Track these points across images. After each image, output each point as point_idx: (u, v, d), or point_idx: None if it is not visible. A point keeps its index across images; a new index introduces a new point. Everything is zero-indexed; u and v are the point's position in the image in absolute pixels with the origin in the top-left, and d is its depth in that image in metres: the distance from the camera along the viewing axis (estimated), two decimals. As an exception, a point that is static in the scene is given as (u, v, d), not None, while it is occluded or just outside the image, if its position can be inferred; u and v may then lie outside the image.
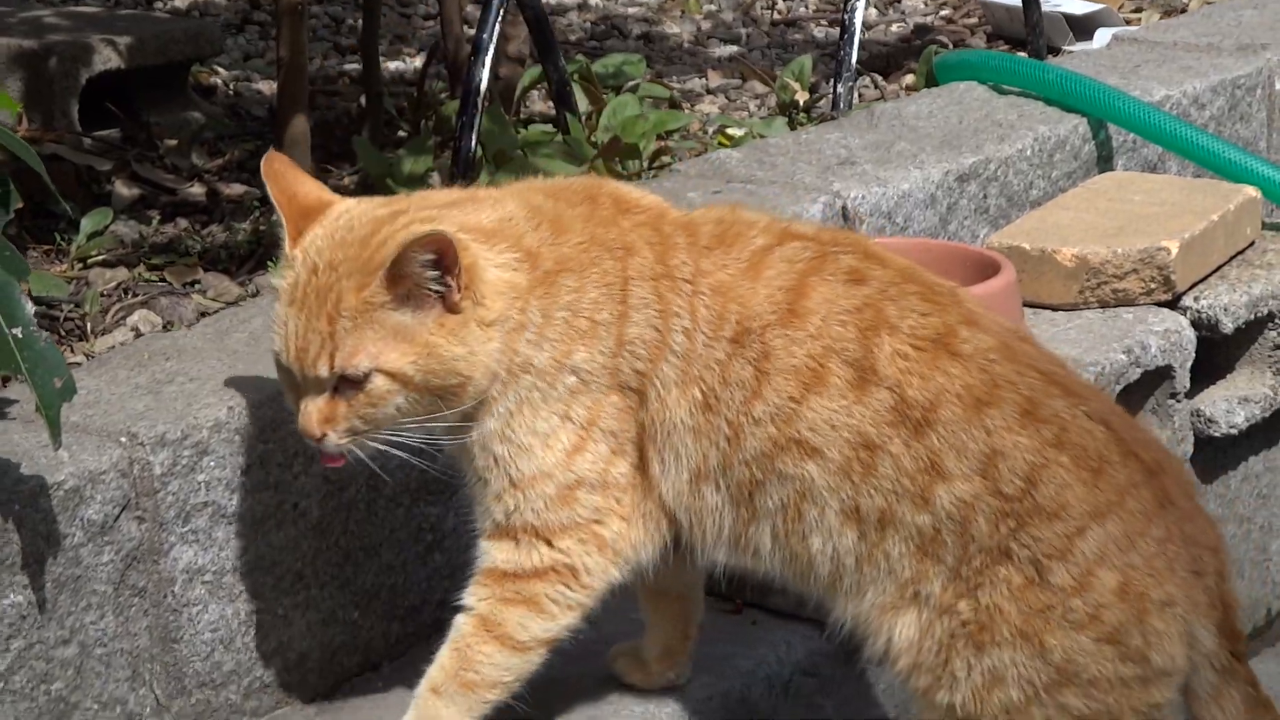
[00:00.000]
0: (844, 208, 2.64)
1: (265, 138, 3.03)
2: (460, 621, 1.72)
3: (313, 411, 1.65)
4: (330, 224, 1.69)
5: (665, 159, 2.89)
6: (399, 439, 1.67)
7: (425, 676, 1.74)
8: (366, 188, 2.73)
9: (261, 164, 1.74)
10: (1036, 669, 1.59)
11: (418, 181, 2.58)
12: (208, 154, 2.99)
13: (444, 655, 1.72)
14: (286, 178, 1.73)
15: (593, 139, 2.85)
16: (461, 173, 2.47)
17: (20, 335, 1.71)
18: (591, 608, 1.70)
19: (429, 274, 1.61)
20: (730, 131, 3.08)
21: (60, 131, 2.75)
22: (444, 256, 1.60)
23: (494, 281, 1.65)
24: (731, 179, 2.71)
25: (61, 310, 2.30)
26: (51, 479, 1.79)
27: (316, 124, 2.89)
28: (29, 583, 1.77)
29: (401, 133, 3.04)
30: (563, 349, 1.66)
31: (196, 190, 2.85)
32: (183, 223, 2.71)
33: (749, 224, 1.72)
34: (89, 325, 2.26)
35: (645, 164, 2.84)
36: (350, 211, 1.70)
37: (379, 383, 1.63)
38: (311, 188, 1.75)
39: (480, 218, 1.69)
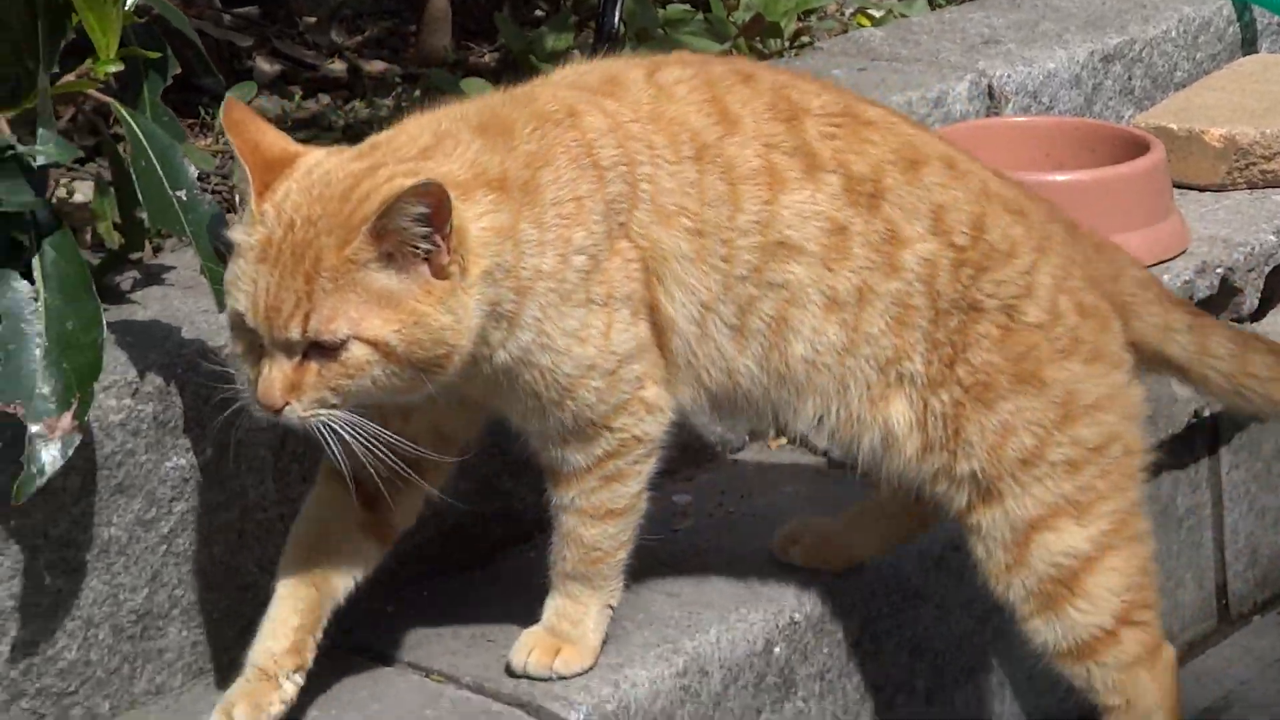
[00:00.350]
0: (989, 86, 2.57)
1: (403, 15, 2.98)
2: (560, 516, 1.71)
3: (276, 378, 1.50)
4: (304, 177, 1.54)
5: (805, 39, 2.79)
6: (366, 432, 1.54)
7: (553, 570, 1.75)
8: (507, 65, 2.67)
9: (221, 113, 1.61)
10: (1042, 409, 1.66)
11: (559, 58, 2.51)
12: (346, 31, 2.93)
13: (562, 549, 1.72)
14: (249, 128, 1.58)
15: (733, 18, 2.76)
16: (604, 49, 2.40)
17: (184, 198, 1.70)
18: (660, 450, 1.72)
19: (419, 230, 1.48)
20: (870, 12, 2.97)
21: (201, 7, 2.71)
22: (437, 211, 1.47)
23: (479, 236, 1.54)
24: (875, 56, 2.64)
25: (209, 183, 2.27)
26: (213, 343, 1.77)
27: (457, 1, 2.82)
28: (190, 446, 1.77)
29: (540, 10, 2.96)
30: (562, 241, 1.58)
31: (337, 67, 2.81)
32: (324, 99, 2.67)
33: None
34: (236, 199, 2.22)
35: (786, 43, 2.76)
36: (324, 164, 1.56)
37: (357, 351, 1.49)
38: (275, 138, 1.60)
39: (453, 167, 1.56)
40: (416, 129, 1.61)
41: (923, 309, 1.64)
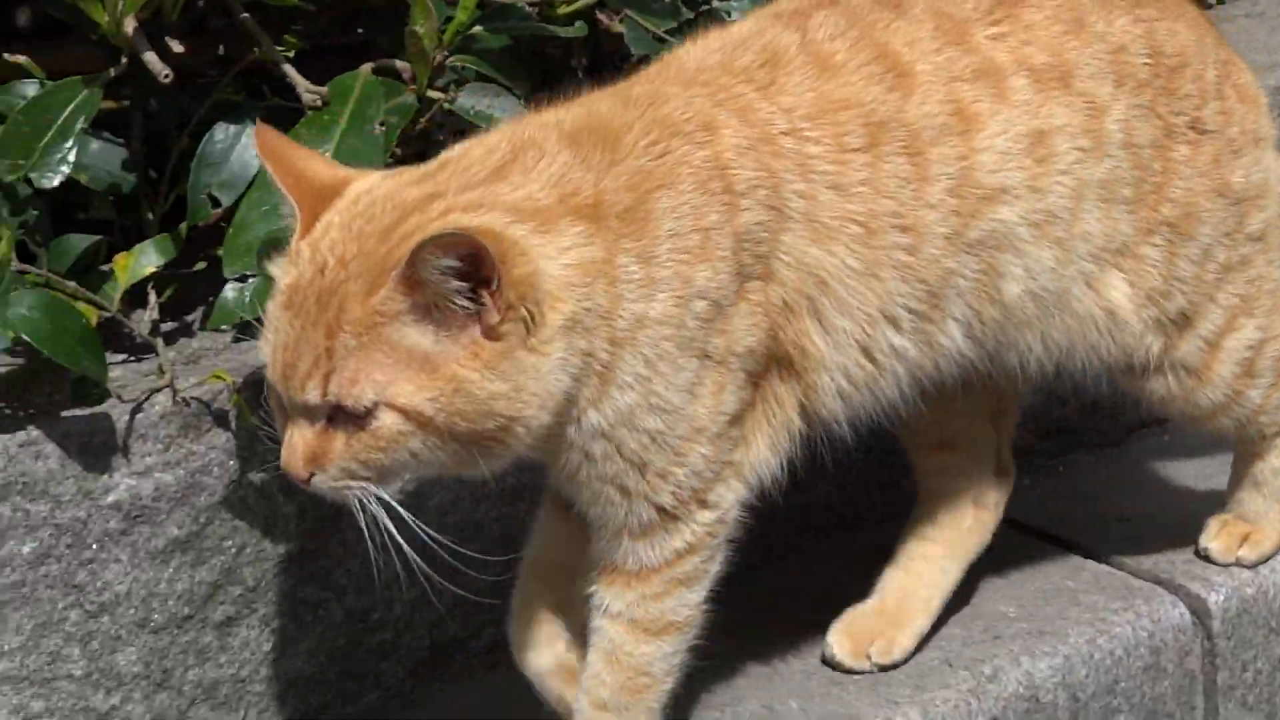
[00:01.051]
0: None
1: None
2: (606, 628, 1.42)
3: (298, 444, 1.26)
4: (347, 209, 1.28)
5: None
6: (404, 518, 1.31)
7: (583, 690, 1.44)
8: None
9: (254, 138, 1.37)
10: (1227, 216, 1.56)
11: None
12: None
13: (600, 668, 1.42)
14: (288, 155, 1.34)
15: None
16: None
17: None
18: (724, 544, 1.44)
19: (453, 285, 1.21)
20: None
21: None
22: (477, 264, 1.20)
23: (560, 276, 1.26)
24: None
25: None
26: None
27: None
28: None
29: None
30: (681, 280, 1.29)
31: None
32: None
33: (766, 34, 1.43)
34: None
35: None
36: (374, 192, 1.29)
37: (387, 420, 1.24)
38: (320, 165, 1.35)
39: (531, 189, 1.28)
40: (496, 139, 1.34)
41: (1127, 174, 1.48)
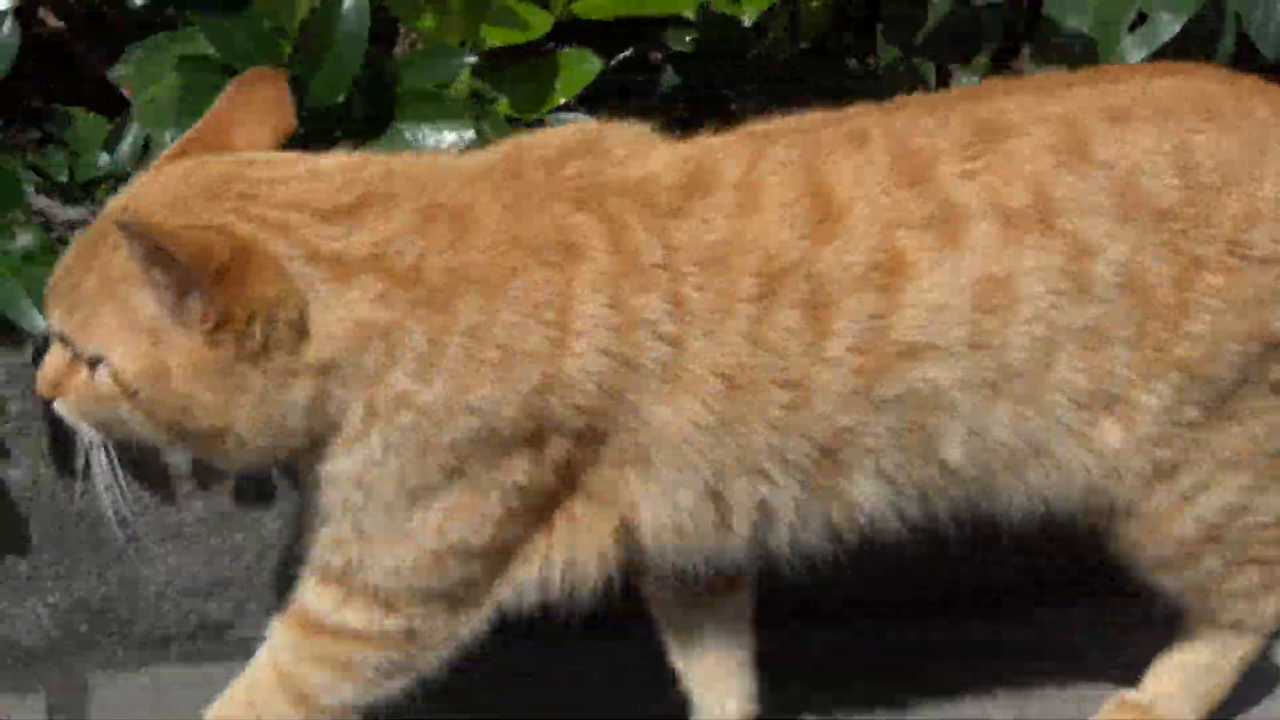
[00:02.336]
0: None
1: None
2: (260, 657, 1.28)
3: (49, 366, 1.18)
4: (191, 165, 1.19)
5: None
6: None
7: (216, 702, 1.29)
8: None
9: (243, 75, 1.23)
10: (1249, 356, 1.29)
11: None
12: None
13: (234, 690, 1.28)
14: (251, 113, 1.23)
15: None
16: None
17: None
18: (423, 675, 1.27)
19: (160, 275, 1.11)
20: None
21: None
22: (172, 265, 1.09)
23: (332, 325, 1.15)
24: None
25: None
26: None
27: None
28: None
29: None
30: (457, 384, 1.16)
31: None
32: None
33: (714, 155, 1.25)
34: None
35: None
36: (222, 163, 1.20)
37: (103, 376, 1.15)
38: (256, 135, 1.22)
39: (347, 237, 1.16)
40: (371, 190, 1.19)
41: (1126, 318, 1.27)
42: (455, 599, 1.23)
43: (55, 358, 1.16)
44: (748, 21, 1.47)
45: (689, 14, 1.41)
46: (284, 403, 1.14)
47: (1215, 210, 1.24)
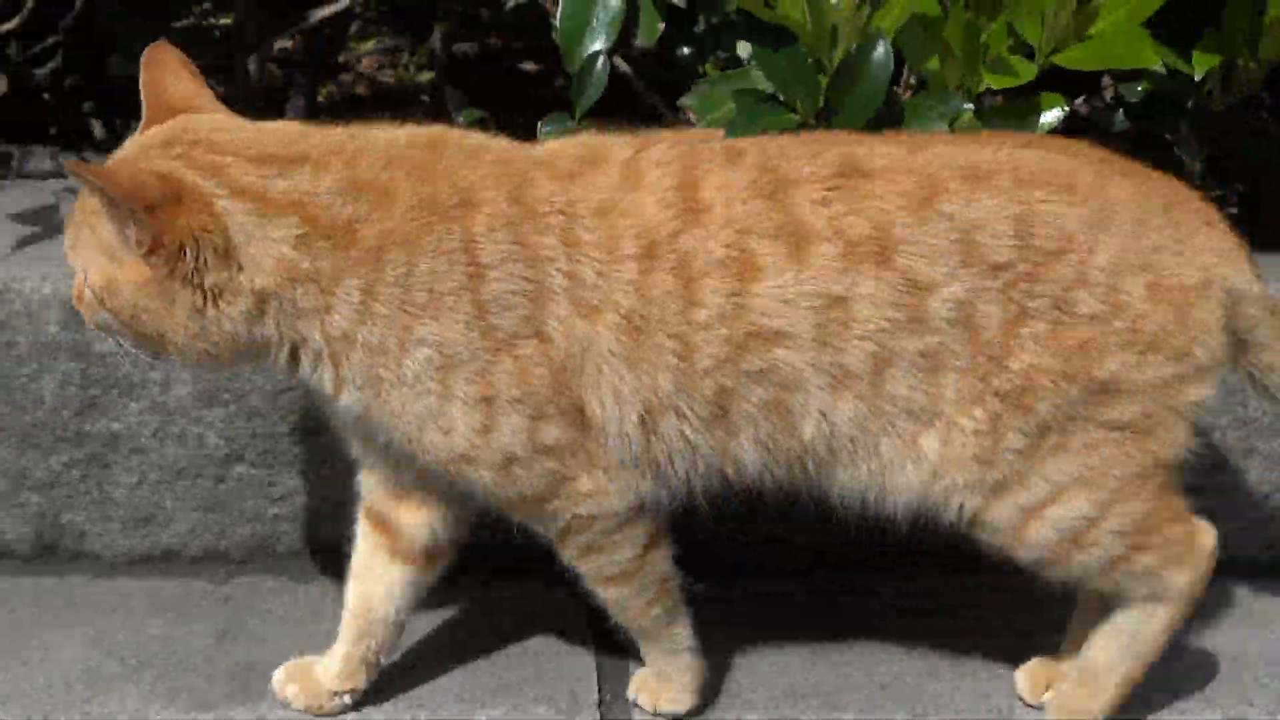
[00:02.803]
0: None
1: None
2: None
3: (77, 281, 1.40)
4: (166, 127, 1.39)
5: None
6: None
7: None
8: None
9: (143, 54, 1.44)
10: (1075, 396, 1.36)
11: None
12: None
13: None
14: (164, 72, 1.43)
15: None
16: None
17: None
18: (650, 518, 1.45)
19: (105, 209, 1.32)
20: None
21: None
22: (104, 193, 1.29)
23: (264, 257, 1.32)
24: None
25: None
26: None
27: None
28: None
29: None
30: (400, 326, 1.34)
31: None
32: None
33: (607, 143, 1.42)
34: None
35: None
36: (186, 122, 1.39)
37: (87, 289, 1.37)
38: (186, 89, 1.43)
39: (275, 183, 1.34)
40: (302, 150, 1.37)
41: (961, 350, 1.37)
42: (574, 489, 1.39)
43: (77, 277, 1.39)
44: (1197, 76, 1.64)
45: (1154, 67, 1.57)
46: (221, 319, 1.33)
47: (1047, 270, 1.33)
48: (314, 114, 2.07)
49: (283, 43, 2.38)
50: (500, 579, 1.71)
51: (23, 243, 1.79)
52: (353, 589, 1.51)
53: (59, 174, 1.99)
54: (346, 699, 1.51)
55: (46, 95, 1.97)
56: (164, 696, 1.55)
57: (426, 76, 2.51)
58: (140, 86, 1.41)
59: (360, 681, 1.51)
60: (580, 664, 1.59)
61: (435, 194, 1.34)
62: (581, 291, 1.34)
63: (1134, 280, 1.34)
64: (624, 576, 1.44)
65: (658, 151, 1.39)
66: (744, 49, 1.67)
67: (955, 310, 1.34)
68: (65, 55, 1.81)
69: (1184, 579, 1.43)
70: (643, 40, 1.67)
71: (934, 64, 1.51)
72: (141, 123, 1.40)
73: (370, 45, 2.53)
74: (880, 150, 1.38)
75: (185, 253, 1.30)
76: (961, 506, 1.39)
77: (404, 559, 1.49)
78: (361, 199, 1.33)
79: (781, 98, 1.49)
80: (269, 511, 1.76)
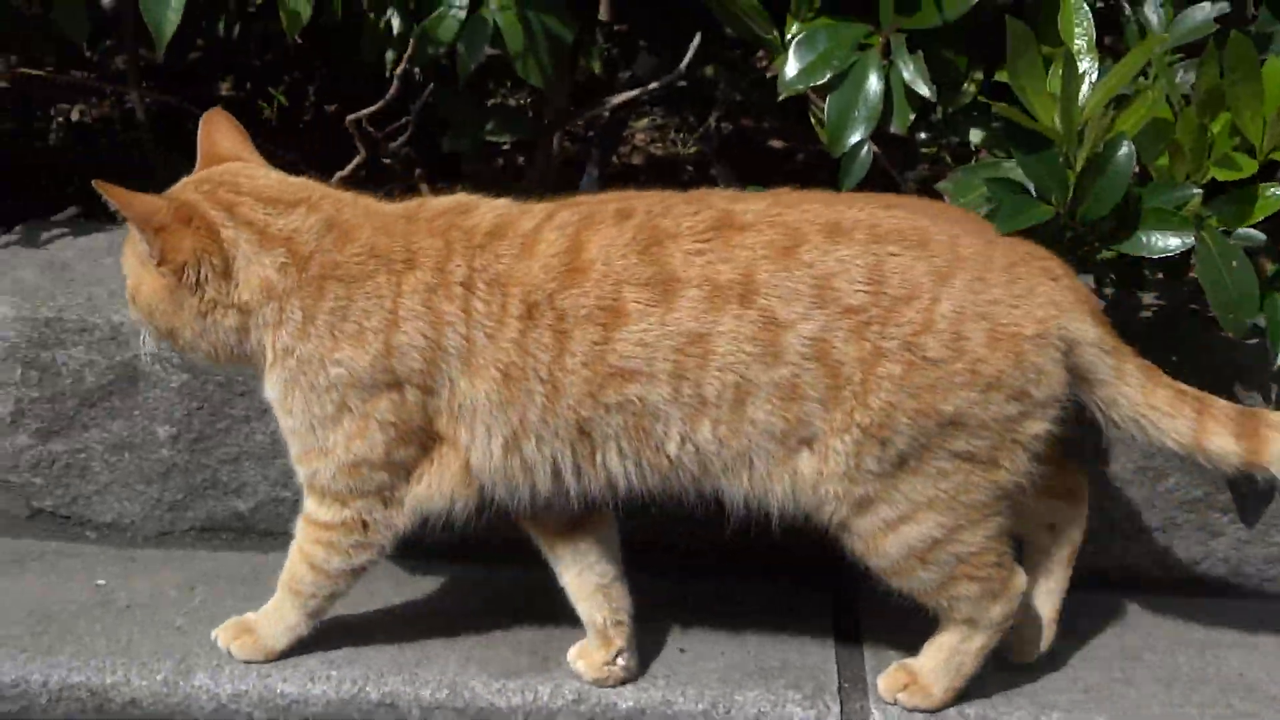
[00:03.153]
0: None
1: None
2: (293, 541, 1.72)
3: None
4: (210, 169, 1.67)
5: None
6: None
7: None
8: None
9: (203, 116, 1.72)
10: (924, 429, 1.50)
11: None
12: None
13: (287, 560, 1.73)
14: (217, 130, 1.70)
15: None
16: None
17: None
18: (383, 550, 1.68)
19: (135, 230, 1.59)
20: None
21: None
22: (124, 209, 1.56)
23: (253, 276, 1.57)
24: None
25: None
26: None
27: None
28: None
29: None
30: (327, 345, 1.56)
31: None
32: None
33: (523, 211, 1.61)
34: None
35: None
36: (227, 166, 1.66)
37: (127, 292, 1.67)
38: (232, 143, 1.70)
39: (275, 220, 1.59)
40: (303, 195, 1.63)
41: (816, 382, 1.50)
42: (383, 498, 1.62)
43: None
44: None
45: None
46: (218, 325, 1.59)
47: (897, 315, 1.48)
48: (604, 183, 2.32)
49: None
50: (758, 577, 1.94)
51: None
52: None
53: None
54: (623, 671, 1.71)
55: (387, 161, 2.28)
56: (477, 664, 1.76)
57: (691, 150, 2.75)
58: (197, 140, 1.69)
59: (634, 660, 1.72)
60: (822, 654, 1.81)
61: (387, 245, 1.58)
62: (471, 355, 1.55)
63: (975, 327, 1.48)
64: (334, 575, 1.67)
65: (561, 217, 1.57)
66: (975, 135, 1.90)
67: (810, 346, 1.48)
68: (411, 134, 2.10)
69: (998, 611, 1.61)
70: (895, 128, 1.86)
71: (1164, 161, 1.70)
72: (196, 166, 1.68)
73: (644, 123, 2.79)
74: (751, 207, 1.55)
75: (188, 268, 1.56)
76: (832, 515, 1.56)
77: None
78: (328, 235, 1.58)
79: (1035, 191, 1.69)
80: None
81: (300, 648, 1.75)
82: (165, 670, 1.74)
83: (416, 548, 1.80)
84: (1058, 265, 1.56)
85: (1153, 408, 1.54)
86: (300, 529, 1.69)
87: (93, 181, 1.55)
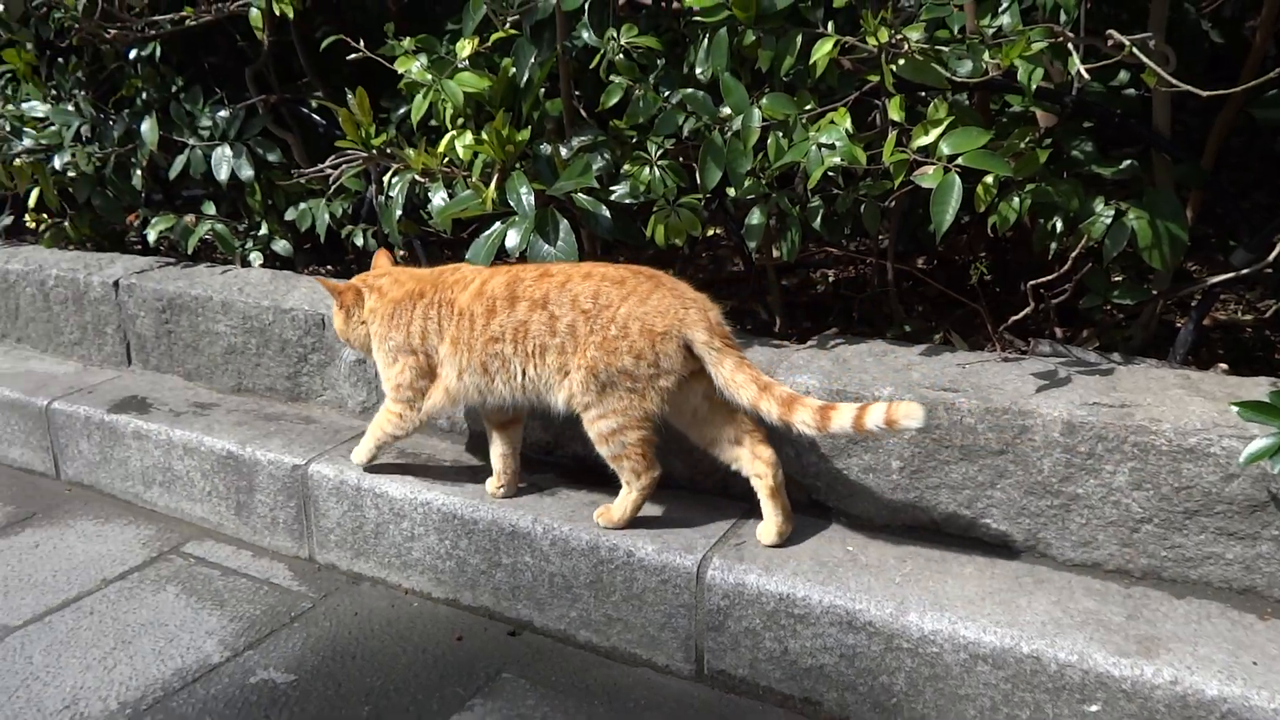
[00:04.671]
0: None
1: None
2: (376, 416, 2.92)
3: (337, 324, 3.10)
4: (371, 272, 2.98)
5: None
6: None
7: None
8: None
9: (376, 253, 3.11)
10: (611, 372, 2.45)
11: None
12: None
13: (372, 423, 2.95)
14: (381, 257, 3.06)
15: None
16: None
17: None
18: (414, 428, 2.83)
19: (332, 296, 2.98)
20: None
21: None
22: (330, 291, 2.91)
23: (365, 310, 2.87)
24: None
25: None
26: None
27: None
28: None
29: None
30: (386, 331, 2.79)
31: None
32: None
33: (476, 272, 2.72)
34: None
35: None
36: (379, 270, 2.98)
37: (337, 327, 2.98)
38: (384, 262, 3.04)
39: (379, 280, 2.87)
40: (388, 273, 2.98)
41: (568, 345, 2.50)
42: (412, 405, 2.79)
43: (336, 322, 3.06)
44: None
45: None
46: (360, 331, 2.85)
47: (602, 315, 2.47)
48: (1196, 341, 2.64)
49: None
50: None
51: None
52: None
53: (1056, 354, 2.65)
54: None
55: (1041, 307, 2.81)
56: (1097, 643, 2.03)
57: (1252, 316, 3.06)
58: (376, 261, 3.03)
59: None
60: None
61: (413, 288, 2.78)
62: (441, 333, 2.67)
63: (634, 324, 2.43)
64: (394, 436, 2.92)
65: (484, 273, 2.67)
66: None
67: (567, 328, 2.50)
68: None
69: (641, 483, 2.57)
70: None
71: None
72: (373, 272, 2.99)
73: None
74: (555, 268, 2.59)
75: (351, 307, 2.85)
76: (578, 411, 2.53)
77: None
78: (394, 286, 2.81)
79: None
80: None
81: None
82: (890, 607, 2.26)
83: (1050, 559, 2.33)
84: (694, 299, 2.48)
85: (733, 382, 2.41)
86: (380, 413, 2.86)
87: (315, 278, 3.39)
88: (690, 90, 2.64)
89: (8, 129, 4.04)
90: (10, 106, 4.05)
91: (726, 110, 2.56)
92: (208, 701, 2.42)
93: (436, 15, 3.67)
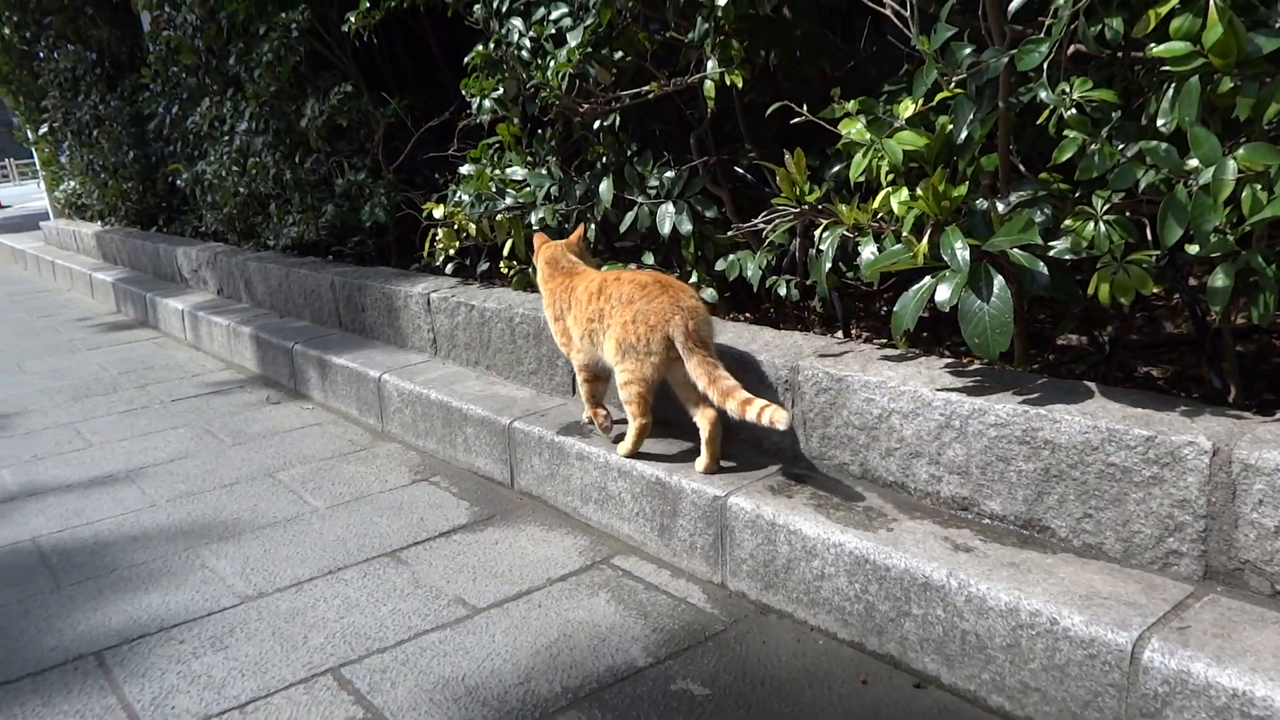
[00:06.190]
0: None
1: None
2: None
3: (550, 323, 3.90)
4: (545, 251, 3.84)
5: None
6: None
7: None
8: None
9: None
10: (625, 345, 3.24)
11: None
12: None
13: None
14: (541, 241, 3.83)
15: None
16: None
17: None
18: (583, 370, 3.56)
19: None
20: None
21: None
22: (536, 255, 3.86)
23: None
24: None
25: None
26: None
27: None
28: None
29: None
30: (550, 301, 3.61)
31: None
32: None
33: (600, 271, 3.58)
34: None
35: None
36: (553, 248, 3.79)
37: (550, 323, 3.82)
38: (574, 240, 3.78)
39: (562, 258, 3.68)
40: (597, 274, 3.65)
41: (611, 322, 3.29)
42: (573, 351, 3.61)
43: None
44: None
45: None
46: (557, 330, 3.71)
47: (629, 308, 3.24)
48: None
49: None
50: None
51: None
52: None
53: None
54: None
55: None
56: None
57: None
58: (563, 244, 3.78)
59: None
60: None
61: (568, 271, 3.63)
62: (571, 308, 3.48)
63: (641, 317, 3.17)
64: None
65: (592, 278, 3.44)
66: None
67: (609, 312, 3.27)
68: None
69: (637, 424, 3.31)
70: None
71: None
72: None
73: None
74: (611, 275, 3.38)
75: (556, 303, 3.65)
76: (612, 368, 3.30)
77: None
78: (575, 273, 3.62)
79: None
80: None
81: None
82: None
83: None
84: (685, 308, 3.16)
85: (693, 372, 3.09)
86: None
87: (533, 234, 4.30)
88: (1151, 142, 2.38)
89: (493, 189, 4.44)
90: (497, 171, 4.48)
91: (1193, 163, 2.27)
92: (635, 700, 2.55)
93: (871, 78, 3.63)
